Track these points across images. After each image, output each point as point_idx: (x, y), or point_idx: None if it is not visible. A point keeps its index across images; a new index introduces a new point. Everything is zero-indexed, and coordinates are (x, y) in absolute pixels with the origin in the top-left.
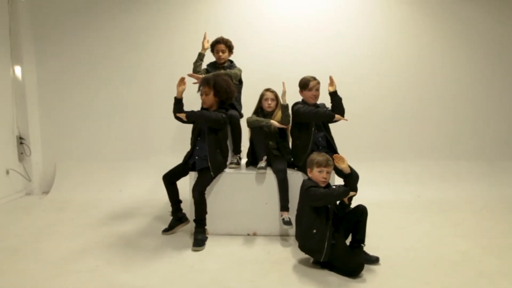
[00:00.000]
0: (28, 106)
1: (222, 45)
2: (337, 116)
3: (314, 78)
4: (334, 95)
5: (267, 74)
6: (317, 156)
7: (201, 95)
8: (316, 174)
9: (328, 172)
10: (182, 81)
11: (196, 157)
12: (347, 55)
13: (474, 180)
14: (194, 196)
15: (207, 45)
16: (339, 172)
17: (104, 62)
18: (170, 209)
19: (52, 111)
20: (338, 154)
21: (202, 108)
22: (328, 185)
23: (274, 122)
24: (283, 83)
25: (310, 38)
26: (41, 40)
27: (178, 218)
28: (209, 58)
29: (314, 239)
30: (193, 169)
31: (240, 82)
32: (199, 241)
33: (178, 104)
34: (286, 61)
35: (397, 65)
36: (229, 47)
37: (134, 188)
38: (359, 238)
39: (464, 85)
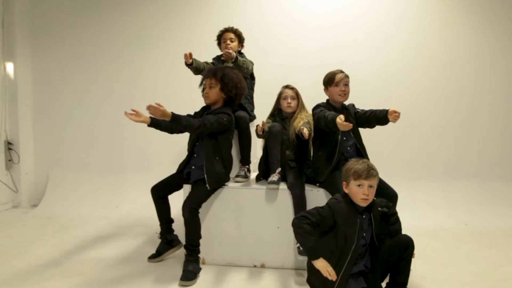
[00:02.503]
0: (19, 108)
1: (230, 33)
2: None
3: (341, 71)
4: None
5: (286, 74)
6: (354, 164)
7: (203, 89)
8: (354, 189)
9: (371, 186)
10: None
11: (192, 167)
12: (378, 56)
13: None
14: (184, 214)
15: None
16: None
17: (106, 64)
18: (159, 229)
19: (47, 115)
20: None
21: (204, 108)
22: (372, 207)
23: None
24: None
25: (337, 36)
26: (39, 35)
27: (167, 241)
28: (214, 52)
29: (319, 276)
30: (188, 181)
31: (252, 77)
32: (189, 273)
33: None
34: (307, 61)
35: (437, 67)
36: (239, 37)
37: (132, 204)
38: (401, 281)
39: None
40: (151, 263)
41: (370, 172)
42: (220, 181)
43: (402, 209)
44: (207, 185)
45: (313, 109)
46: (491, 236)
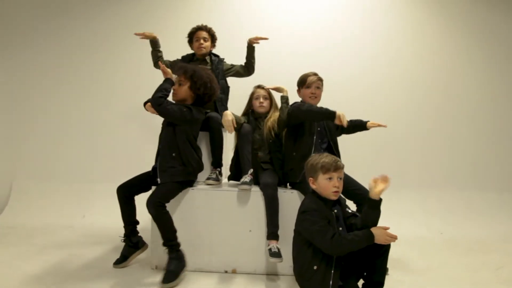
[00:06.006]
0: None
1: (203, 31)
2: (339, 115)
3: (315, 74)
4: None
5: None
6: (320, 159)
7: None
8: (324, 183)
9: (340, 178)
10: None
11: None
12: (353, 63)
13: (505, 215)
14: (149, 210)
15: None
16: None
17: (73, 69)
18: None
19: (10, 121)
20: None
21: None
22: (339, 201)
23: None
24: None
25: (312, 44)
26: (1, 38)
27: (132, 243)
28: (182, 50)
29: (314, 278)
30: (154, 178)
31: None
32: (169, 274)
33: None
34: (284, 65)
35: (410, 77)
36: (212, 36)
37: (99, 213)
38: (378, 280)
39: (494, 101)
40: (116, 268)
41: (338, 164)
42: (175, 176)
43: None
44: (158, 178)
45: (291, 106)
46: (466, 244)
